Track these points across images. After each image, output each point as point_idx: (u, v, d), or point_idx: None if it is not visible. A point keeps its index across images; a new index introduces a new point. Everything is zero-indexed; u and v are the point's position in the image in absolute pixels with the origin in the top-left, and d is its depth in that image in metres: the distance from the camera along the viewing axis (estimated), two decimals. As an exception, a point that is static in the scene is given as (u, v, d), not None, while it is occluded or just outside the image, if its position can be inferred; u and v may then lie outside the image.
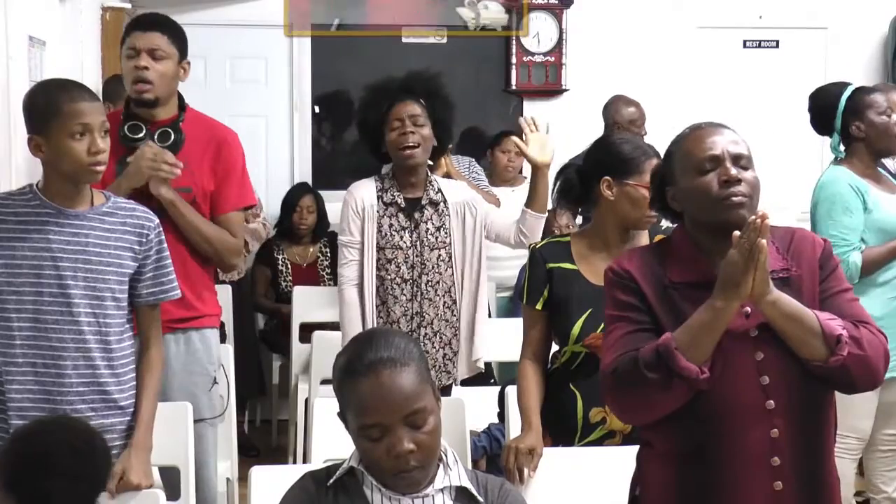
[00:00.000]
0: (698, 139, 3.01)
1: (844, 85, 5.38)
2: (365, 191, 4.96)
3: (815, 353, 2.85)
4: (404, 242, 4.89)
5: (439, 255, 4.93)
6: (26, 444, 2.71)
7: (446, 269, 4.95)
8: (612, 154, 3.98)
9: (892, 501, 5.52)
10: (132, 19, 4.63)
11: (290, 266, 7.65)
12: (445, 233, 4.95)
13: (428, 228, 4.92)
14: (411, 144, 4.87)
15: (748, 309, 2.89)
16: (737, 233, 2.77)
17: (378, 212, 4.90)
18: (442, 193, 5.00)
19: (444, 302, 4.96)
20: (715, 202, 2.92)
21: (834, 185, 5.13)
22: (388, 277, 4.89)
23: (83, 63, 6.35)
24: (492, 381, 6.50)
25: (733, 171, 2.92)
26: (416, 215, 4.92)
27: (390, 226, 4.90)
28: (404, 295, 4.89)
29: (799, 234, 3.09)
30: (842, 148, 5.25)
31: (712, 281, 2.84)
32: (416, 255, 4.89)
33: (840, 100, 5.23)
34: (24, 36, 4.81)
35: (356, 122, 5.21)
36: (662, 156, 3.17)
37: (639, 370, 2.84)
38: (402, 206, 4.92)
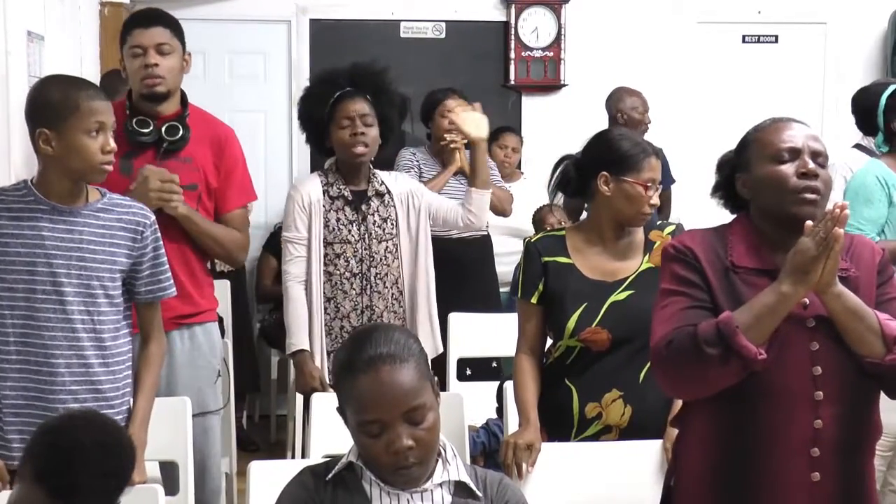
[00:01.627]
0: (779, 130, 3.04)
1: (886, 84, 5.44)
2: (310, 186, 4.89)
3: (871, 350, 2.88)
4: (353, 236, 4.83)
5: (387, 247, 4.88)
6: (55, 437, 2.70)
7: (393, 261, 4.90)
8: (611, 150, 3.98)
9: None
10: (131, 16, 4.61)
11: None
12: (392, 224, 4.90)
13: (375, 220, 4.87)
14: (363, 145, 4.83)
15: (807, 300, 2.91)
16: (810, 222, 2.80)
17: (325, 206, 4.84)
18: (385, 185, 4.95)
19: (392, 293, 4.91)
20: (790, 192, 2.95)
21: (862, 177, 5.24)
22: (338, 273, 4.83)
23: (82, 58, 6.36)
24: (501, 375, 6.50)
25: (812, 164, 2.96)
26: (363, 207, 4.86)
27: (338, 220, 4.84)
28: (354, 289, 4.84)
29: (858, 238, 3.12)
30: (886, 147, 5.33)
31: (773, 270, 2.89)
32: (365, 249, 4.84)
33: (881, 98, 5.28)
34: (23, 31, 4.82)
35: (298, 114, 5.09)
36: (737, 144, 3.17)
37: (697, 344, 2.86)
38: (350, 199, 4.86)
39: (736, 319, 2.84)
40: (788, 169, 2.96)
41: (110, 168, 3.59)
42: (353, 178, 4.90)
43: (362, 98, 4.87)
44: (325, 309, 4.85)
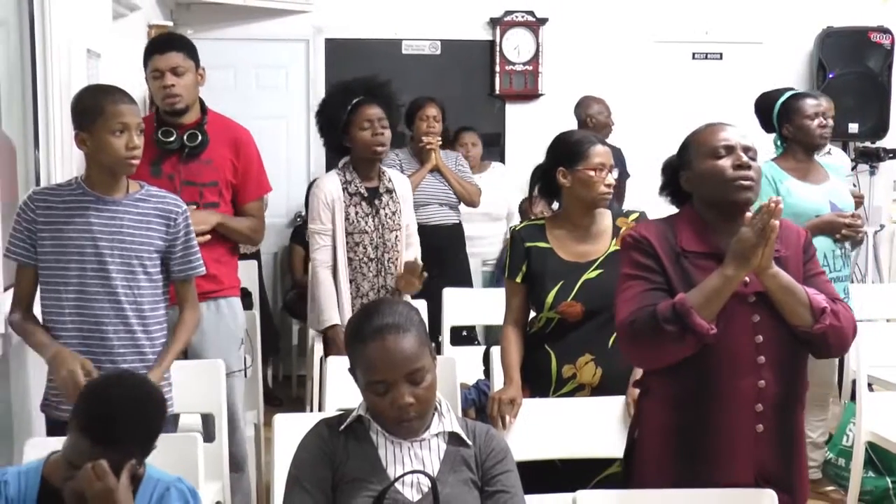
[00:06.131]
0: (715, 131, 3.07)
1: (784, 91, 5.43)
2: (332, 184, 4.87)
3: (802, 320, 2.90)
4: (369, 227, 4.82)
5: (396, 236, 4.87)
6: (99, 393, 2.71)
7: (401, 248, 4.90)
8: (561, 147, 3.99)
9: (815, 445, 5.58)
10: (149, 44, 4.61)
11: None
12: (399, 216, 4.89)
13: (386, 213, 4.86)
14: (382, 144, 4.83)
15: (748, 279, 2.92)
16: (749, 213, 2.83)
17: (345, 202, 4.82)
18: (392, 182, 4.94)
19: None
20: (728, 182, 2.98)
21: None
22: (357, 258, 4.82)
23: (132, 73, 6.33)
24: (476, 342, 6.51)
25: (745, 158, 2.98)
26: (376, 202, 4.86)
27: (356, 213, 4.82)
28: (371, 272, 4.83)
29: (785, 223, 3.11)
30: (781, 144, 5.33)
31: (718, 252, 2.90)
32: (379, 237, 4.83)
33: (776, 104, 5.28)
34: (83, 49, 4.80)
35: (320, 117, 5.03)
36: (679, 147, 3.19)
37: (656, 323, 2.87)
38: (365, 195, 4.85)
39: (689, 300, 2.86)
40: (725, 162, 2.99)
41: (137, 162, 3.59)
42: (367, 175, 4.89)
43: (378, 104, 4.85)
44: (349, 288, 4.84)
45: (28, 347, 3.90)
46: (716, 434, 2.97)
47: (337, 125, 4.88)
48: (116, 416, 2.62)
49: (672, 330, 2.85)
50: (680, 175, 3.14)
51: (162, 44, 4.52)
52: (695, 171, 3.07)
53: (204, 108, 4.56)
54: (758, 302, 2.95)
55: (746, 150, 3.01)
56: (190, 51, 4.49)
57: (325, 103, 5.05)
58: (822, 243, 5.13)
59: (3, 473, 2.75)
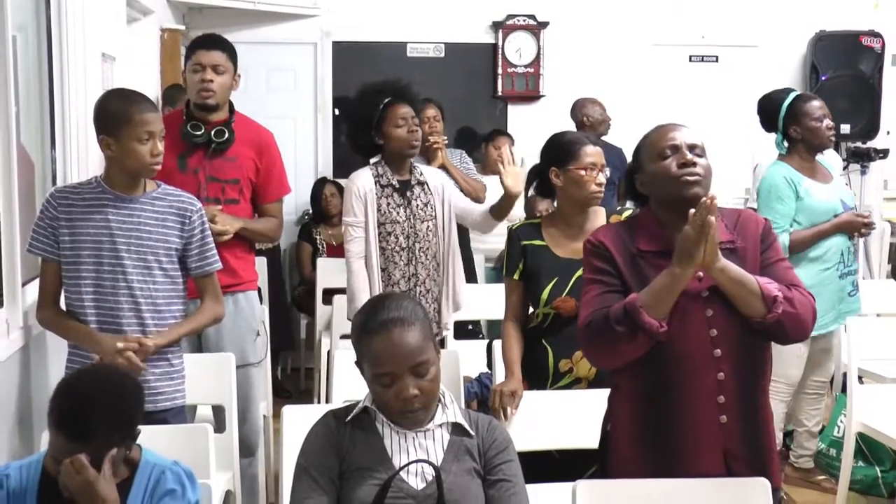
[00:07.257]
0: (661, 133, 3.04)
1: (788, 92, 5.46)
2: (364, 179, 4.88)
3: (755, 311, 2.88)
4: (400, 217, 4.83)
5: (428, 226, 4.87)
6: (70, 389, 2.71)
7: (433, 238, 4.90)
8: (554, 148, 4.02)
9: (810, 434, 5.62)
10: (196, 39, 4.66)
11: (325, 245, 7.72)
12: (431, 207, 4.89)
13: (418, 204, 4.87)
14: (418, 140, 4.88)
15: (700, 274, 2.90)
16: (692, 211, 2.80)
17: (377, 194, 4.84)
18: (424, 176, 4.97)
19: (433, 264, 4.91)
20: (674, 180, 2.95)
21: (772, 178, 5.24)
22: (389, 247, 4.82)
23: (145, 75, 6.37)
24: (480, 335, 6.54)
25: (689, 155, 2.96)
26: (408, 194, 4.87)
27: (388, 204, 4.83)
28: (402, 260, 4.84)
29: (745, 213, 3.12)
30: (785, 144, 5.34)
31: (673, 251, 2.87)
32: (411, 227, 4.83)
33: (782, 105, 5.30)
34: (98, 52, 4.84)
35: (354, 118, 5.05)
36: (633, 152, 3.17)
37: (609, 324, 2.86)
38: (397, 186, 4.86)
39: (639, 300, 2.85)
40: (671, 162, 2.97)
41: (159, 167, 3.65)
42: (399, 169, 4.90)
43: (410, 104, 4.89)
44: (381, 277, 4.85)
45: (48, 339, 3.95)
46: (681, 427, 2.96)
47: (370, 124, 4.90)
48: (87, 410, 2.60)
49: (623, 330, 2.85)
50: (635, 178, 3.13)
51: (209, 41, 4.58)
52: (646, 172, 3.06)
53: (232, 109, 4.61)
54: (711, 297, 2.93)
55: (692, 147, 2.99)
56: (232, 55, 4.57)
57: (357, 104, 5.06)
58: (838, 241, 5.19)
59: (5, 468, 2.77)
